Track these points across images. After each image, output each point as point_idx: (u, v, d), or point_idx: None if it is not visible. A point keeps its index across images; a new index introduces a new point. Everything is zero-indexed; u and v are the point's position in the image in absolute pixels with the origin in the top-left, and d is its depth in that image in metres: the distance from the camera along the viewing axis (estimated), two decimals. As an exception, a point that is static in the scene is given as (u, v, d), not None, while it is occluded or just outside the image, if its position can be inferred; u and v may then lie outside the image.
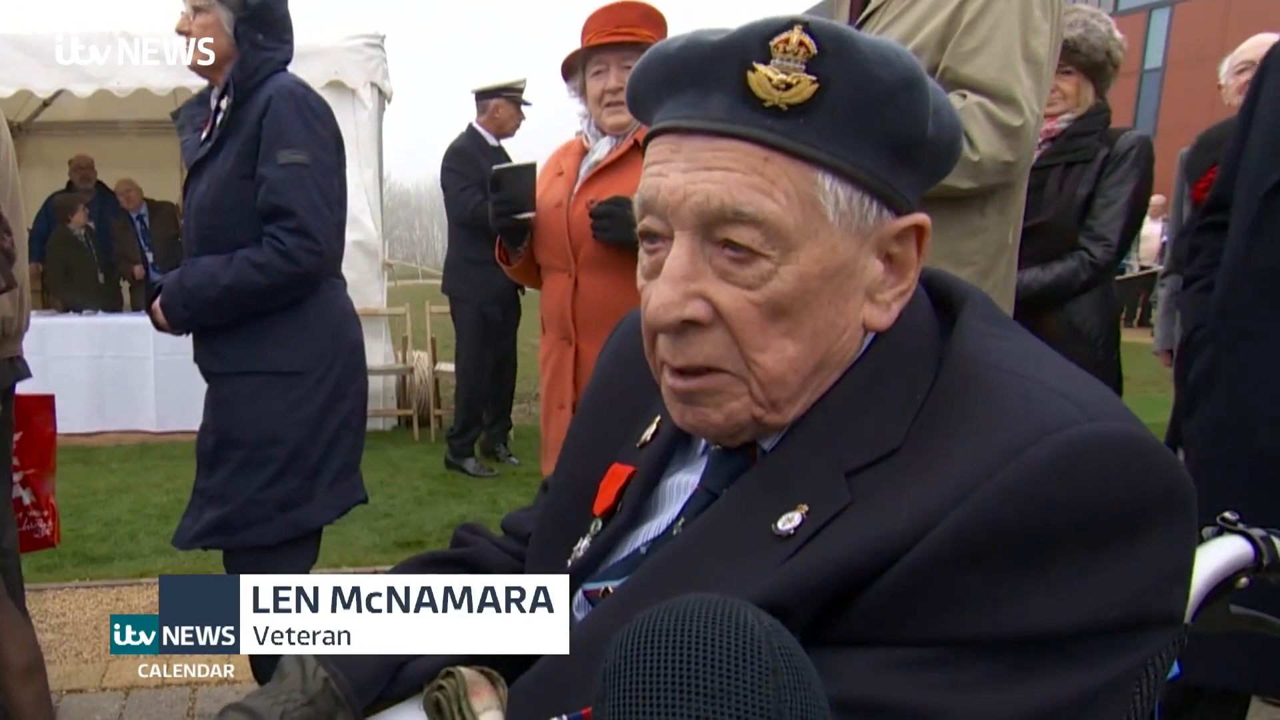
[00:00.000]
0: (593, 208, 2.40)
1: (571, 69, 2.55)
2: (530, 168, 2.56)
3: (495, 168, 2.55)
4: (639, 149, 2.38)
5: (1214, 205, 2.10)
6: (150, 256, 8.11)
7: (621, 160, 2.48)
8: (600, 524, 0.99)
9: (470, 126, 5.78)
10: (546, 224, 2.52)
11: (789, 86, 0.78)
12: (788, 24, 0.78)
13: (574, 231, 2.46)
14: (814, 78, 0.78)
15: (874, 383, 0.84)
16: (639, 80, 0.88)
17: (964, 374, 0.79)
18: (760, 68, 0.78)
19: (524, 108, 5.88)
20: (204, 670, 3.06)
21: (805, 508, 0.79)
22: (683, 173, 0.81)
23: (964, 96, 1.97)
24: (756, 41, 0.79)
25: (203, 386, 2.51)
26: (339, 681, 0.96)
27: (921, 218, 0.85)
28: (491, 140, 5.74)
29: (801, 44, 0.78)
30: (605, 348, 1.16)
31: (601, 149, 2.53)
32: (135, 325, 6.68)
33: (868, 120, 0.79)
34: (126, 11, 6.32)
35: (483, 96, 5.75)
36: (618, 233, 2.37)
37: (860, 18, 2.20)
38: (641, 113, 0.90)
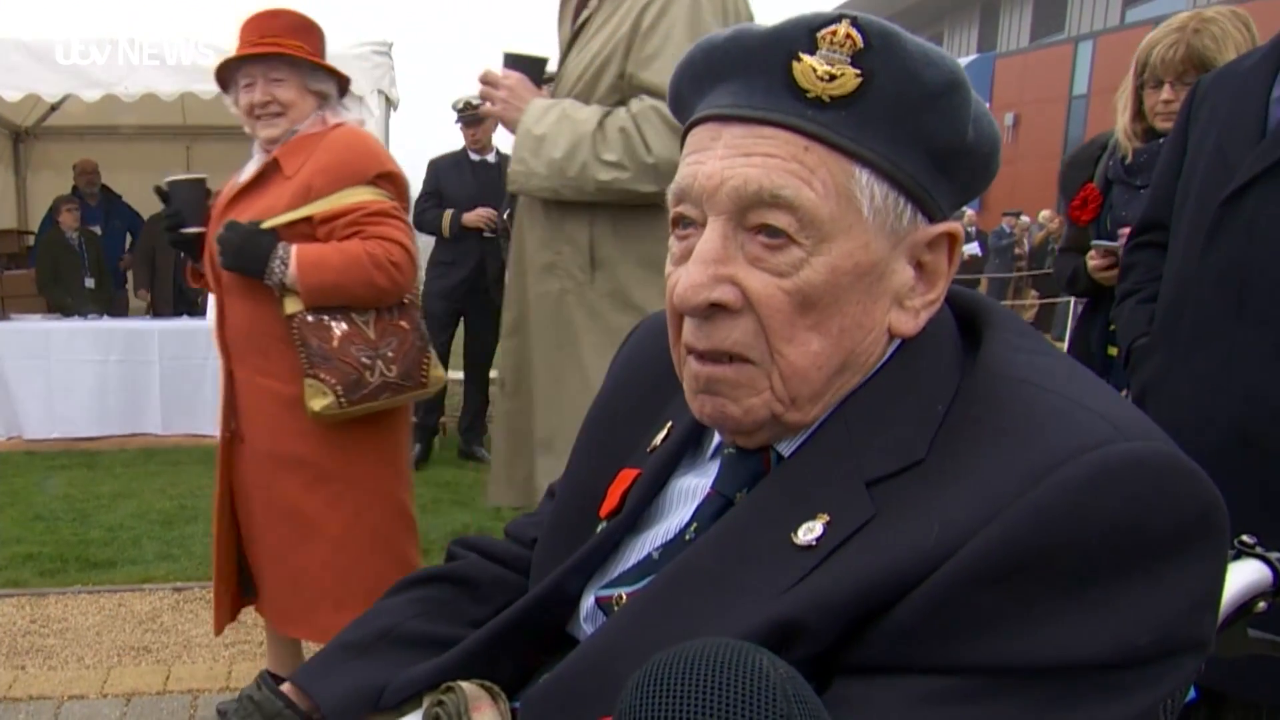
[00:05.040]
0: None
1: (226, 83, 2.51)
2: (199, 181, 2.57)
3: (166, 179, 2.55)
4: (277, 166, 2.42)
5: (1147, 225, 2.21)
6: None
7: (260, 179, 2.47)
8: (605, 526, 0.98)
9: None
10: (207, 245, 2.50)
11: (833, 78, 0.78)
12: (836, 17, 0.79)
13: (215, 254, 2.45)
14: (858, 71, 0.78)
15: (896, 391, 0.83)
16: (682, 74, 0.89)
17: (991, 388, 0.78)
18: (806, 58, 0.79)
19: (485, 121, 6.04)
20: (207, 666, 3.05)
21: (826, 517, 0.78)
22: (720, 159, 0.81)
23: (642, 100, 2.04)
24: (804, 32, 0.79)
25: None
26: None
27: (954, 226, 0.84)
28: (474, 155, 5.86)
29: (849, 37, 0.78)
30: (618, 353, 1.16)
31: (249, 169, 2.51)
32: (140, 329, 6.68)
33: (909, 119, 0.79)
34: (132, 17, 6.32)
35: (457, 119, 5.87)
36: (226, 259, 2.37)
37: (576, 26, 2.25)
38: (682, 108, 0.90)
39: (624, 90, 2.12)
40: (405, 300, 2.53)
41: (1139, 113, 2.68)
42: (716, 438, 0.95)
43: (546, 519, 1.11)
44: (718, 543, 0.84)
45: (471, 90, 7.01)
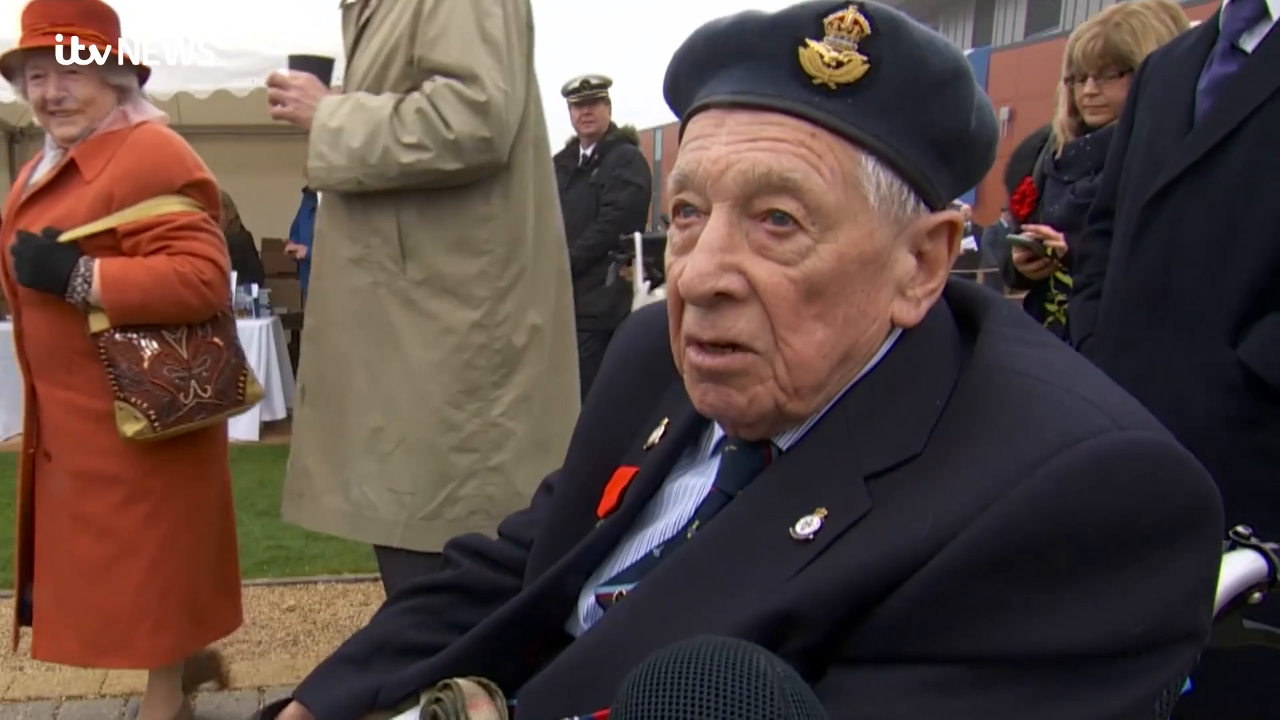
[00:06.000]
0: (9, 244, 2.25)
1: (10, 71, 2.32)
2: None
3: None
4: (75, 168, 2.27)
5: (1099, 213, 2.17)
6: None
7: (56, 182, 2.30)
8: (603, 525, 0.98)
9: None
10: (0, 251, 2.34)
11: (840, 65, 0.78)
12: (843, 3, 0.78)
13: (8, 263, 2.29)
14: (865, 58, 0.78)
15: (894, 385, 0.83)
16: (681, 61, 0.88)
17: (988, 380, 0.78)
18: (812, 44, 0.78)
19: None
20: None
21: (824, 511, 0.78)
22: (726, 144, 0.80)
23: (434, 81, 2.06)
24: (810, 18, 0.79)
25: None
26: None
27: (954, 215, 0.84)
28: None
29: (856, 23, 0.78)
30: (612, 348, 1.15)
31: (43, 169, 2.35)
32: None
33: (914, 107, 0.79)
34: (130, 17, 6.30)
35: None
36: (23, 275, 2.22)
37: (358, 27, 2.25)
38: (679, 97, 0.90)
39: (414, 76, 2.12)
40: (218, 315, 2.43)
41: (1074, 107, 2.69)
42: (715, 436, 0.95)
43: (544, 517, 1.10)
44: (716, 537, 0.84)
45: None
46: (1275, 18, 1.70)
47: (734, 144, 0.80)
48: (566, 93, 5.33)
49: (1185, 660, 0.72)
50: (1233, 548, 0.95)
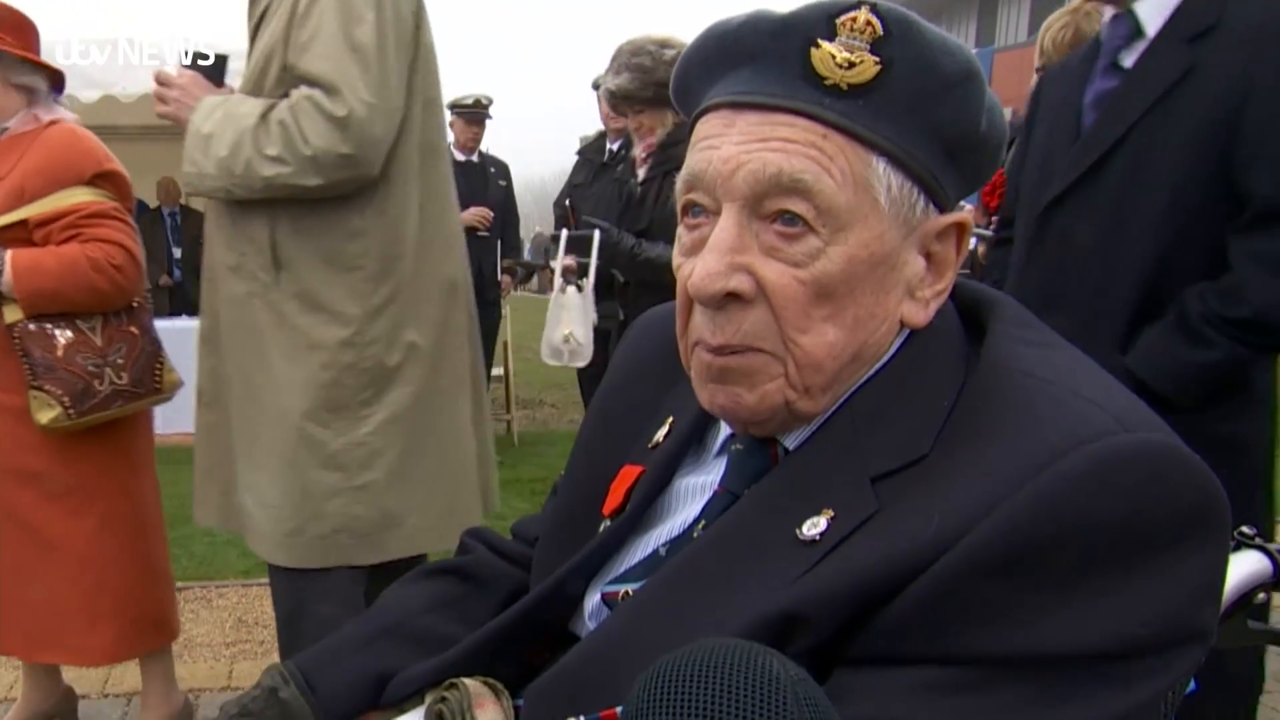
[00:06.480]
0: None
1: None
2: None
3: None
4: None
5: (1005, 221, 2.22)
6: (177, 253, 8.33)
7: None
8: (609, 524, 0.98)
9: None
10: None
11: (852, 65, 0.78)
12: (855, 3, 0.78)
13: None
14: (877, 59, 0.78)
15: (902, 386, 0.83)
16: (691, 58, 0.87)
17: (994, 382, 0.78)
18: (824, 44, 0.78)
19: (487, 121, 6.21)
20: (208, 666, 3.06)
21: (830, 513, 0.78)
22: (736, 144, 0.80)
23: (300, 90, 1.99)
24: (822, 18, 0.79)
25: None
26: (289, 690, 1.00)
27: (963, 216, 0.84)
28: (459, 155, 5.93)
29: (868, 24, 0.78)
30: (619, 349, 1.15)
31: None
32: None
33: (925, 108, 0.79)
34: (131, 17, 6.32)
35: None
36: None
37: (256, 20, 2.19)
38: (689, 96, 0.89)
39: (287, 83, 2.06)
40: (134, 304, 2.45)
41: None
42: (720, 435, 0.95)
43: (548, 516, 1.11)
44: (722, 537, 0.84)
45: (477, 90, 6.95)
46: (1149, 35, 1.76)
47: (745, 144, 0.80)
48: (596, 86, 5.35)
49: (1190, 661, 0.72)
50: (1237, 548, 0.95)
